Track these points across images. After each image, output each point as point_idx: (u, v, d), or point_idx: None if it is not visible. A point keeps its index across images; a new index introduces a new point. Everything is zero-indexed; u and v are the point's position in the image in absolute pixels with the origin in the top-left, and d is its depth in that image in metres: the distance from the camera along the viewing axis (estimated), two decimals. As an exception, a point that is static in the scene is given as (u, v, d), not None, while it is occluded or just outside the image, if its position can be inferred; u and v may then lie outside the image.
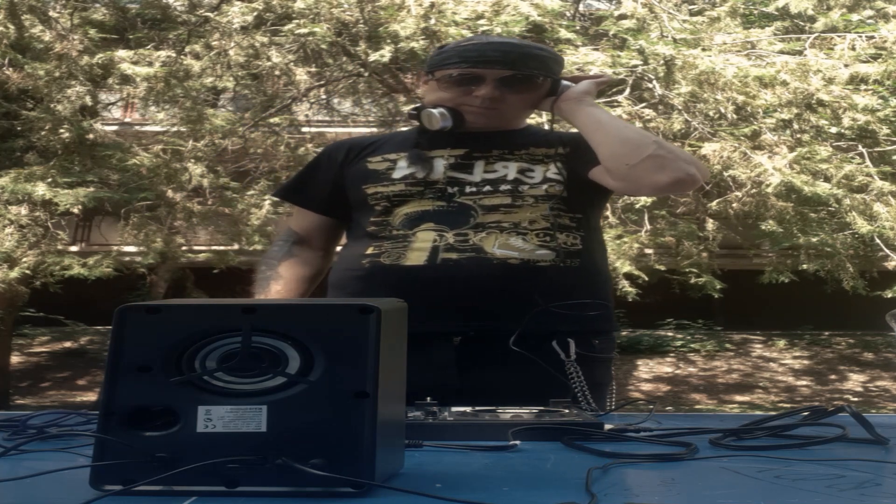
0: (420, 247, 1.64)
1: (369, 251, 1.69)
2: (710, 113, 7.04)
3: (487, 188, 1.69)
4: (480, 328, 1.62)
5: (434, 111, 1.73)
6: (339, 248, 1.88)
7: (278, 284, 1.80)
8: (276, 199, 6.76)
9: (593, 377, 1.61)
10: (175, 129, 8.15)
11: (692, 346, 13.91)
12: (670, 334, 14.34)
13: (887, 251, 7.25)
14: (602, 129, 1.70)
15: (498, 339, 1.57)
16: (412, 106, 1.85)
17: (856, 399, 11.27)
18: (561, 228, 1.68)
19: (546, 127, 1.87)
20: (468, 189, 1.69)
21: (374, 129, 10.24)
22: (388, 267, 1.64)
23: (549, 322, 1.59)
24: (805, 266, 8.07)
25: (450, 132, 1.73)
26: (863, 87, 6.78)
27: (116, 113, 11.52)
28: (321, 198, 1.84)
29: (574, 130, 1.79)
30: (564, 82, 1.76)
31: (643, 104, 7.11)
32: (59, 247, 8.17)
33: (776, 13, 7.76)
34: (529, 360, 1.51)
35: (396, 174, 1.73)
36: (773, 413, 1.35)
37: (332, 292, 1.76)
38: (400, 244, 1.66)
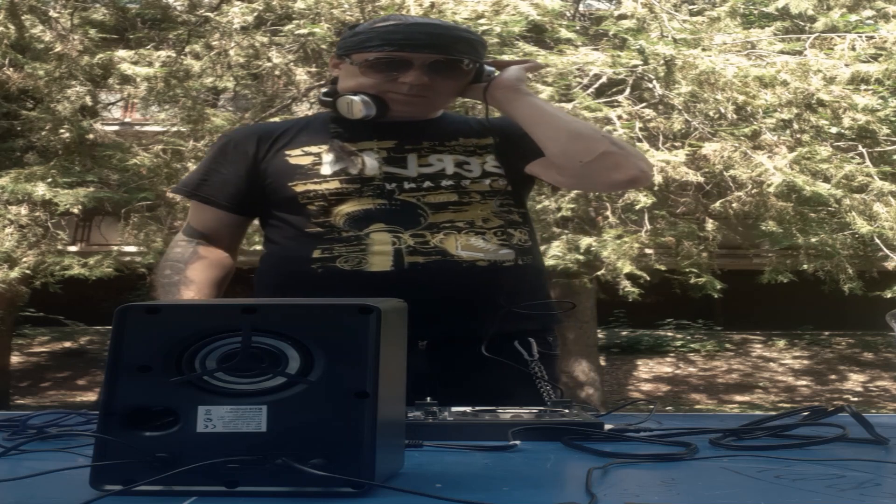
0: (380, 250, 1.55)
1: (317, 254, 1.58)
2: (710, 113, 7.04)
3: (428, 184, 1.61)
4: (455, 332, 1.57)
5: (355, 98, 1.60)
6: (269, 247, 1.71)
7: (189, 290, 1.65)
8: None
9: (553, 374, 1.63)
10: (175, 129, 8.15)
11: (692, 346, 13.92)
12: (670, 334, 14.34)
13: (887, 251, 7.25)
14: (547, 121, 1.61)
15: (470, 341, 1.53)
16: (324, 91, 1.71)
17: (856, 399, 11.27)
18: (513, 225, 1.64)
19: (479, 116, 1.78)
20: (407, 185, 1.60)
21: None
22: (349, 273, 1.55)
23: (517, 322, 1.59)
24: (805, 266, 8.07)
25: (371, 121, 1.62)
26: (863, 87, 6.78)
27: (116, 113, 11.52)
28: (231, 193, 1.68)
29: (498, 115, 1.70)
30: (489, 68, 1.67)
31: (643, 104, 7.11)
32: (59, 247, 8.18)
33: (776, 13, 7.76)
34: (500, 362, 1.49)
35: (325, 170, 1.61)
36: (773, 413, 1.35)
37: (273, 295, 1.62)
38: (355, 247, 1.56)
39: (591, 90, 6.89)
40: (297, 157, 1.64)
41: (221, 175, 1.68)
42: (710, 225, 8.07)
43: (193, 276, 1.66)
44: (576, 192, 6.86)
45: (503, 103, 1.65)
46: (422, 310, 1.44)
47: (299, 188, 1.60)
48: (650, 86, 7.07)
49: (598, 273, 7.83)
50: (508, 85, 1.64)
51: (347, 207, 1.59)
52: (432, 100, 1.65)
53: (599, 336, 11.89)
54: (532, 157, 1.64)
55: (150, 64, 7.40)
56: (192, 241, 1.70)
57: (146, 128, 10.22)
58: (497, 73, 1.68)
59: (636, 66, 6.79)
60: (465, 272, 1.56)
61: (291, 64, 8.01)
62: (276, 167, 1.64)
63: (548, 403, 1.45)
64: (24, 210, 7.40)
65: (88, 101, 7.54)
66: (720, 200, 7.56)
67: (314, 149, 1.64)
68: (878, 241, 7.11)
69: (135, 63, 7.29)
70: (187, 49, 7.78)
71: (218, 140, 1.80)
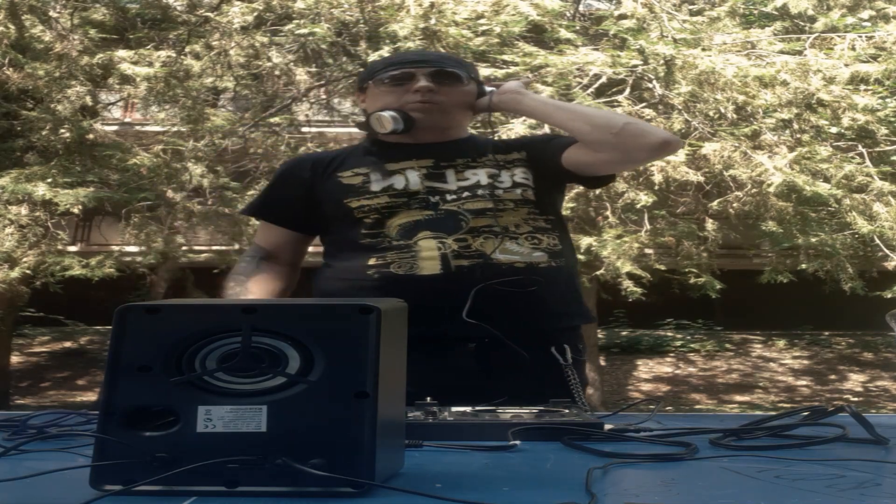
0: (428, 255, 1.69)
1: (373, 262, 1.71)
2: (710, 113, 7.04)
3: (467, 194, 1.76)
4: (499, 329, 1.64)
5: (383, 114, 1.79)
6: (327, 261, 1.87)
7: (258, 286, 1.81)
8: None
9: (582, 377, 1.74)
10: (175, 129, 8.15)
11: (692, 346, 13.91)
12: (670, 334, 14.34)
13: (887, 251, 7.25)
14: (561, 108, 1.82)
15: (513, 340, 1.63)
16: (358, 119, 1.92)
17: (856, 399, 11.27)
18: (541, 231, 1.76)
19: (478, 132, 1.98)
20: (449, 197, 1.75)
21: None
22: (403, 276, 1.67)
23: (548, 320, 1.70)
24: (804, 266, 8.07)
25: (408, 145, 1.81)
26: (863, 87, 6.78)
27: (116, 113, 11.52)
28: (289, 214, 1.88)
29: (519, 135, 1.85)
30: (488, 87, 1.87)
31: (643, 104, 7.10)
32: (60, 247, 8.18)
33: (776, 13, 7.76)
34: (537, 361, 1.62)
35: (375, 187, 1.78)
36: (773, 413, 1.35)
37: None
38: (406, 254, 1.70)
39: (591, 90, 6.89)
40: (349, 177, 1.81)
41: (281, 198, 1.89)
42: (710, 225, 8.07)
43: (254, 288, 1.81)
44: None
45: (511, 105, 1.84)
46: (471, 308, 1.62)
47: (354, 204, 1.77)
48: (650, 86, 7.07)
49: (598, 273, 7.83)
50: (511, 89, 1.83)
51: (399, 219, 1.74)
52: (444, 106, 1.81)
53: (599, 336, 11.90)
54: (563, 150, 1.78)
55: (150, 64, 7.40)
56: (256, 257, 1.88)
57: (146, 128, 10.21)
58: (494, 90, 1.86)
59: (636, 66, 6.79)
60: (504, 273, 1.67)
61: (291, 64, 8.01)
62: (330, 188, 1.81)
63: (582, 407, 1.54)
64: (24, 210, 7.40)
65: (88, 101, 7.54)
66: (717, 200, 7.56)
67: (362, 169, 1.82)
68: (878, 240, 7.11)
69: (135, 63, 7.29)
70: (187, 49, 7.78)
71: (279, 167, 2.04)
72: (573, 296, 1.79)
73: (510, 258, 1.69)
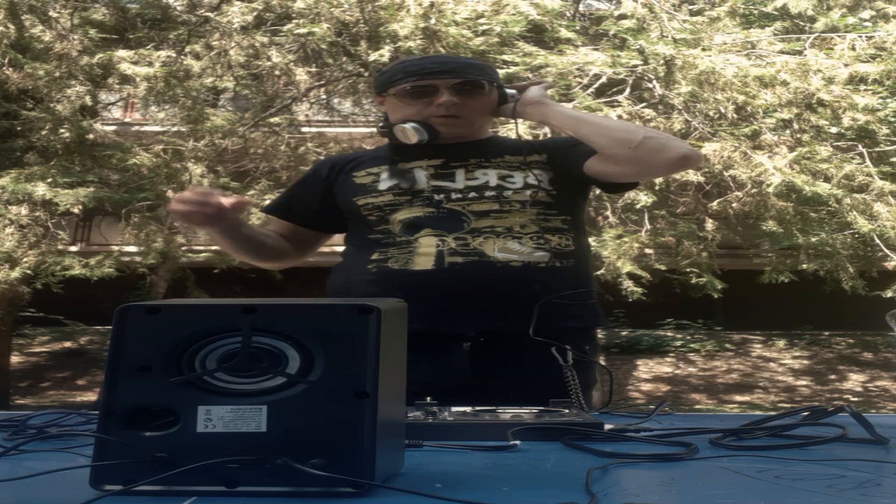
0: (425, 252, 1.71)
1: (374, 257, 1.75)
2: (710, 113, 7.04)
3: (473, 194, 1.76)
4: (490, 328, 1.69)
5: (407, 126, 1.80)
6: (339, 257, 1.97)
7: (263, 230, 1.97)
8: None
9: (585, 379, 1.71)
10: (175, 129, 8.15)
11: (692, 346, 13.91)
12: (670, 334, 14.33)
13: (887, 251, 7.25)
14: (585, 120, 1.84)
15: (506, 340, 1.67)
16: (380, 125, 1.95)
17: (856, 399, 11.27)
18: (552, 231, 1.75)
19: (513, 135, 1.96)
20: (454, 196, 1.76)
21: (375, 129, 10.25)
22: (398, 271, 1.71)
23: (556, 320, 1.66)
24: (805, 266, 8.07)
25: (424, 145, 1.80)
26: (863, 87, 6.78)
27: (116, 113, 11.52)
28: (306, 211, 1.95)
29: (545, 137, 1.85)
30: (510, 91, 1.86)
31: (643, 104, 7.10)
32: (60, 247, 8.18)
33: (776, 13, 7.76)
34: (535, 362, 1.62)
35: (382, 185, 1.81)
36: (773, 413, 1.35)
37: (337, 296, 1.81)
38: (405, 250, 1.73)
39: (591, 90, 6.89)
40: (361, 177, 1.86)
41: (299, 198, 1.97)
42: (710, 225, 8.07)
43: (266, 232, 1.96)
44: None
45: (536, 116, 1.85)
46: (460, 305, 1.68)
47: (360, 202, 1.82)
48: (650, 86, 7.07)
49: (599, 273, 7.83)
50: (535, 100, 1.82)
51: (401, 215, 1.76)
52: (469, 119, 1.82)
53: (599, 336, 11.86)
54: (585, 158, 1.76)
55: (150, 64, 7.41)
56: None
57: (146, 128, 10.21)
58: (516, 94, 1.86)
59: (636, 66, 6.79)
60: (499, 271, 1.68)
61: (291, 64, 8.01)
62: (344, 187, 1.87)
63: (582, 408, 1.56)
64: (24, 210, 7.40)
65: (88, 101, 7.54)
66: (717, 200, 7.56)
67: (375, 169, 1.86)
68: (878, 240, 7.10)
69: (135, 63, 7.30)
70: (187, 49, 7.78)
71: (307, 170, 2.12)
72: (580, 297, 1.75)
73: (508, 257, 1.68)
